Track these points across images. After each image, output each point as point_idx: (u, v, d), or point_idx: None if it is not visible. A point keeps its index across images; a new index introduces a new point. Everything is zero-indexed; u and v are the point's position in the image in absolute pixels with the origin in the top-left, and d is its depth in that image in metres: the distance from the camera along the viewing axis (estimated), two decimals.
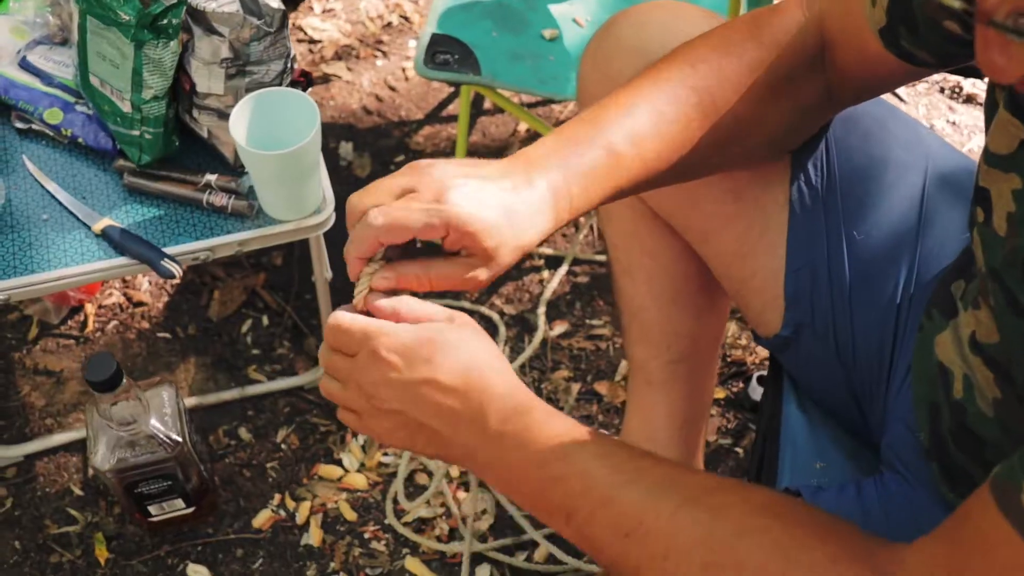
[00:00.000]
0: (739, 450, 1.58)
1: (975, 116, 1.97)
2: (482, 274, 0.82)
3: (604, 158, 0.86)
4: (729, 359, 1.66)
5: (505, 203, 0.81)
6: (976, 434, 0.84)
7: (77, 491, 1.54)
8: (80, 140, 1.35)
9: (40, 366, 1.65)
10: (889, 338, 1.04)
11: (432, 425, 0.79)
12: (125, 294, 1.72)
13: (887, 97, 1.89)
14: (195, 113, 1.31)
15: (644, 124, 0.89)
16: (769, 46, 0.94)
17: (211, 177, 1.32)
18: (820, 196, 1.06)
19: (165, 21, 1.20)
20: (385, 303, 0.82)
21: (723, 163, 1.01)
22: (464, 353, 0.79)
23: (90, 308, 1.70)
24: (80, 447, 1.57)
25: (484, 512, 1.52)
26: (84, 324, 1.69)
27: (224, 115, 1.29)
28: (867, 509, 0.95)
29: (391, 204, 0.81)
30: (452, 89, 1.99)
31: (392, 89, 2.00)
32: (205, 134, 1.33)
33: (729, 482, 0.78)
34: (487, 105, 1.96)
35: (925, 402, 0.91)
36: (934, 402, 0.89)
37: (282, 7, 1.25)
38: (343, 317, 0.82)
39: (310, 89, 1.38)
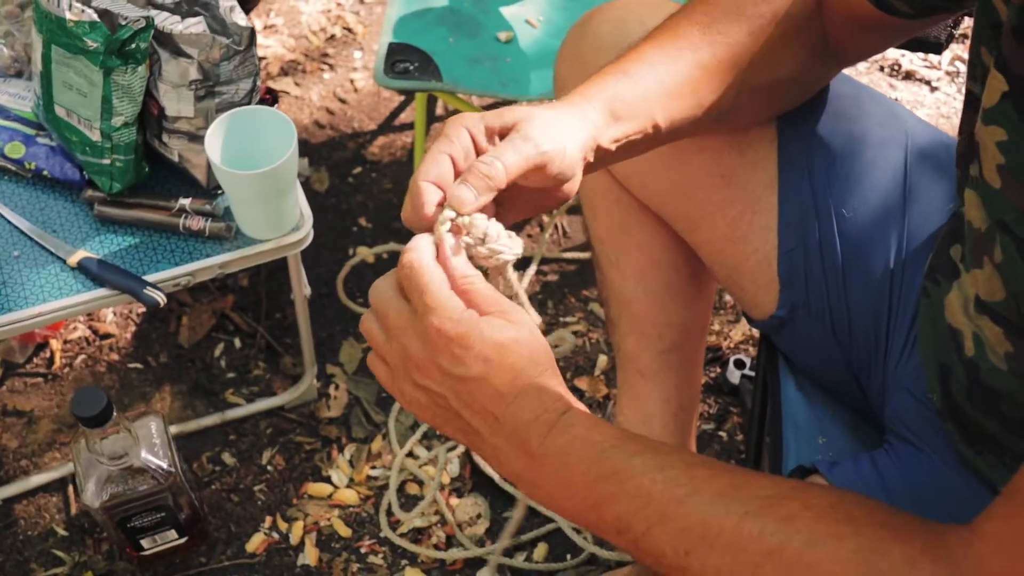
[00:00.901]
0: (722, 434, 1.60)
1: (914, 92, 2.02)
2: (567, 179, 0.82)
3: (649, 102, 0.90)
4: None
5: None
6: (992, 389, 0.86)
7: (61, 531, 1.50)
8: (45, 172, 1.32)
9: (9, 407, 1.61)
10: (884, 311, 1.07)
11: (471, 422, 0.76)
12: (91, 327, 1.69)
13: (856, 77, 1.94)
14: (164, 138, 1.29)
15: (686, 70, 0.93)
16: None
17: (185, 201, 1.30)
18: (807, 177, 1.09)
19: (133, 46, 1.18)
20: (460, 268, 0.76)
21: (734, 114, 1.03)
22: (522, 359, 0.75)
23: (56, 344, 1.66)
24: (60, 486, 1.54)
25: (479, 516, 1.52)
26: (51, 361, 1.65)
27: (195, 138, 1.27)
28: (885, 479, 0.97)
29: (495, 151, 0.78)
30: (403, 98, 1.98)
31: (342, 101, 1.99)
32: (176, 158, 1.31)
33: (786, 485, 0.75)
34: (439, 111, 1.96)
35: (935, 365, 0.94)
36: (945, 364, 0.92)
37: (250, 25, 1.23)
38: (423, 258, 0.75)
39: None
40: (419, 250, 0.75)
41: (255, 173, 1.20)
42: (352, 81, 2.01)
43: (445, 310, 0.73)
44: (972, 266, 0.86)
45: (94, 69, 1.18)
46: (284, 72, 2.02)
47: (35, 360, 1.66)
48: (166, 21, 1.21)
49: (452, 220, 0.76)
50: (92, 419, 1.20)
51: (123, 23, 1.17)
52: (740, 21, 0.97)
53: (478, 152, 0.80)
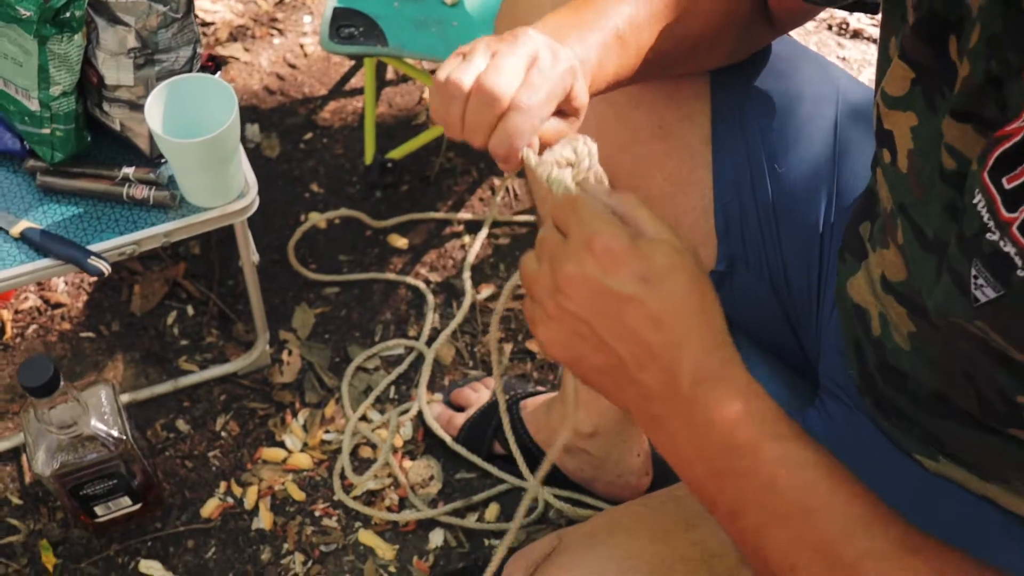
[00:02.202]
0: None
1: (862, 51, 2.04)
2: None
3: (612, 42, 0.90)
4: None
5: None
6: (898, 369, 0.89)
7: (15, 500, 1.51)
8: None
9: None
10: (815, 266, 1.09)
11: (618, 351, 0.68)
12: (42, 296, 1.68)
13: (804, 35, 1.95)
14: (105, 106, 1.29)
15: (640, 13, 0.92)
16: None
17: (128, 170, 1.30)
18: (740, 131, 1.10)
19: (68, 14, 1.18)
20: (607, 197, 0.72)
21: (694, 60, 1.05)
22: (682, 286, 0.67)
23: (6, 314, 1.66)
24: (13, 456, 1.54)
25: (431, 478, 1.54)
26: (2, 331, 1.65)
27: (136, 106, 1.27)
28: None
29: (528, 81, 0.79)
30: (353, 62, 1.98)
31: (292, 67, 1.98)
32: (118, 127, 1.30)
33: (921, 538, 0.69)
34: (390, 75, 1.96)
35: (851, 340, 0.96)
36: (857, 340, 0.94)
37: None
38: (587, 197, 0.71)
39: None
40: (579, 196, 0.71)
41: (196, 141, 1.20)
42: (302, 46, 2.00)
43: (606, 221, 0.68)
44: (879, 245, 0.89)
45: (28, 38, 1.17)
46: (233, 38, 2.00)
47: None
48: None
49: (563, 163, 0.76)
50: (39, 389, 1.20)
51: None
52: None
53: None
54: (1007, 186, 0.68)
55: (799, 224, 1.09)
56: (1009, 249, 0.67)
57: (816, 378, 1.10)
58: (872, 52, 2.04)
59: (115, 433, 1.32)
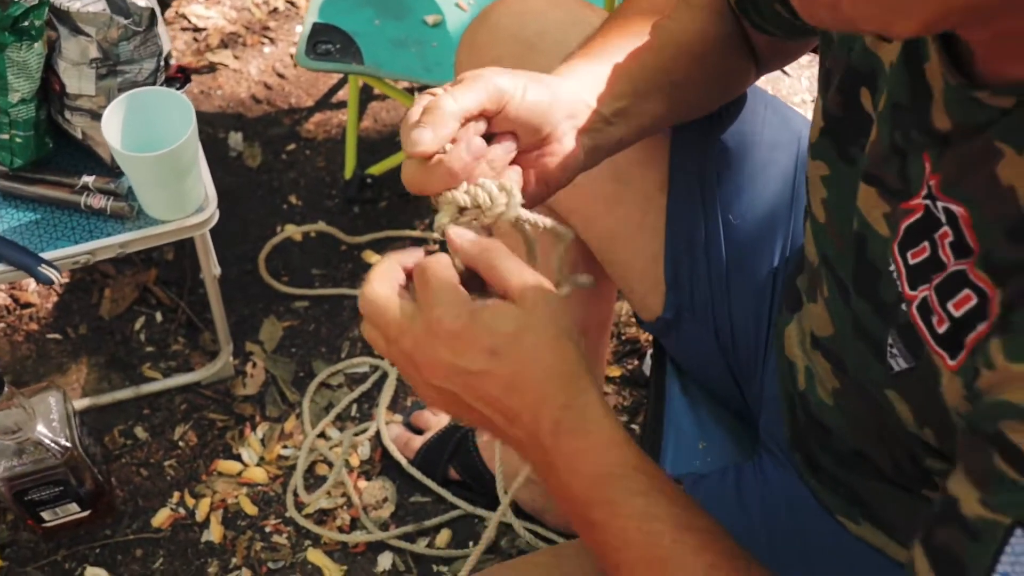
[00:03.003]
0: (635, 427, 1.61)
1: None
2: (557, 144, 0.80)
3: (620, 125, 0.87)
4: (624, 337, 1.69)
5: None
6: (822, 424, 0.88)
7: None
8: None
9: None
10: (764, 320, 1.08)
11: (485, 413, 0.71)
12: (12, 295, 1.69)
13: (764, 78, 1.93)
14: (67, 114, 1.29)
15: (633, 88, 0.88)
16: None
17: (88, 179, 1.30)
18: (697, 180, 1.09)
19: (27, 23, 1.18)
20: (467, 245, 0.72)
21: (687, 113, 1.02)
22: (530, 349, 0.69)
23: None
24: None
25: (385, 500, 1.53)
26: None
27: (97, 116, 1.27)
28: (744, 495, 0.98)
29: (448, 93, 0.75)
30: (341, 75, 1.97)
31: (280, 76, 1.98)
32: (79, 135, 1.30)
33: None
34: (377, 91, 1.95)
35: (784, 393, 0.95)
36: (788, 393, 0.93)
37: (150, 5, 1.23)
38: (439, 264, 0.70)
39: (195, 78, 1.36)
40: (412, 253, 0.72)
41: (152, 155, 1.20)
42: (292, 56, 2.00)
43: (447, 304, 0.68)
44: (808, 299, 0.87)
45: None
46: (224, 44, 2.01)
47: None
48: None
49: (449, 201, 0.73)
50: None
51: (16, 0, 1.16)
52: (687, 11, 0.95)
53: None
54: (911, 261, 0.67)
55: (750, 278, 1.08)
56: (914, 324, 0.66)
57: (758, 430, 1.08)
58: None
59: (62, 441, 1.32)
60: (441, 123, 0.72)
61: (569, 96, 0.82)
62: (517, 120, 0.77)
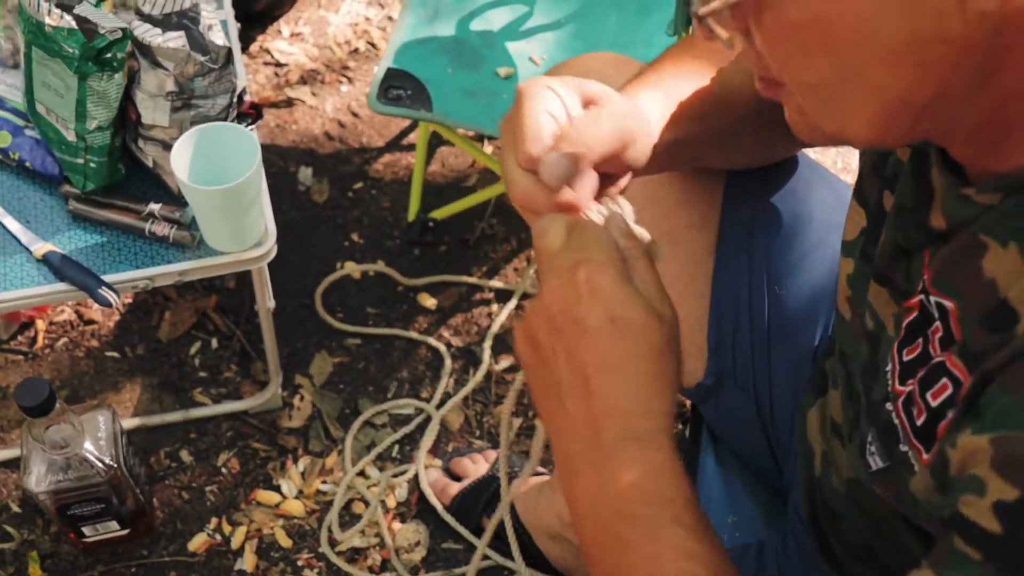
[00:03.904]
0: None
1: None
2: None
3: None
4: None
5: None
6: (834, 511, 0.87)
7: (15, 508, 1.55)
8: (27, 164, 1.36)
9: None
10: (803, 394, 1.07)
11: (560, 372, 0.67)
12: (77, 311, 1.74)
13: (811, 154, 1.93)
14: (141, 143, 1.33)
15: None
16: None
17: (155, 206, 1.34)
18: (745, 248, 1.09)
19: (109, 55, 1.22)
20: (628, 242, 0.72)
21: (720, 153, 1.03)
22: (644, 346, 0.66)
23: (41, 324, 1.71)
24: (18, 465, 1.58)
25: (418, 544, 1.54)
26: (34, 340, 1.70)
27: (169, 146, 1.31)
28: (762, 573, 0.97)
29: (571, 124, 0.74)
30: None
31: (355, 115, 2.02)
32: (151, 164, 1.35)
33: None
34: (446, 135, 1.98)
35: (804, 477, 0.94)
36: (809, 476, 0.92)
37: (227, 44, 1.27)
38: (598, 226, 0.71)
39: (272, 112, 1.40)
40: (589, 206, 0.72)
41: (215, 189, 1.23)
42: (368, 96, 2.04)
43: (600, 258, 0.68)
44: (831, 386, 0.87)
45: (69, 73, 1.22)
46: (303, 81, 2.05)
47: (19, 338, 1.71)
48: (147, 33, 1.24)
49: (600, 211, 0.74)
50: (33, 409, 1.24)
51: (101, 32, 1.21)
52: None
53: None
54: (905, 358, 0.67)
55: (792, 350, 1.07)
56: (896, 422, 0.66)
57: None
58: None
59: (107, 459, 1.35)
60: (572, 171, 0.72)
61: (646, 126, 0.83)
62: (624, 160, 0.78)
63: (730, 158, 1.06)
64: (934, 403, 0.63)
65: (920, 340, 0.66)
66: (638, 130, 0.79)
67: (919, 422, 0.64)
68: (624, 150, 0.77)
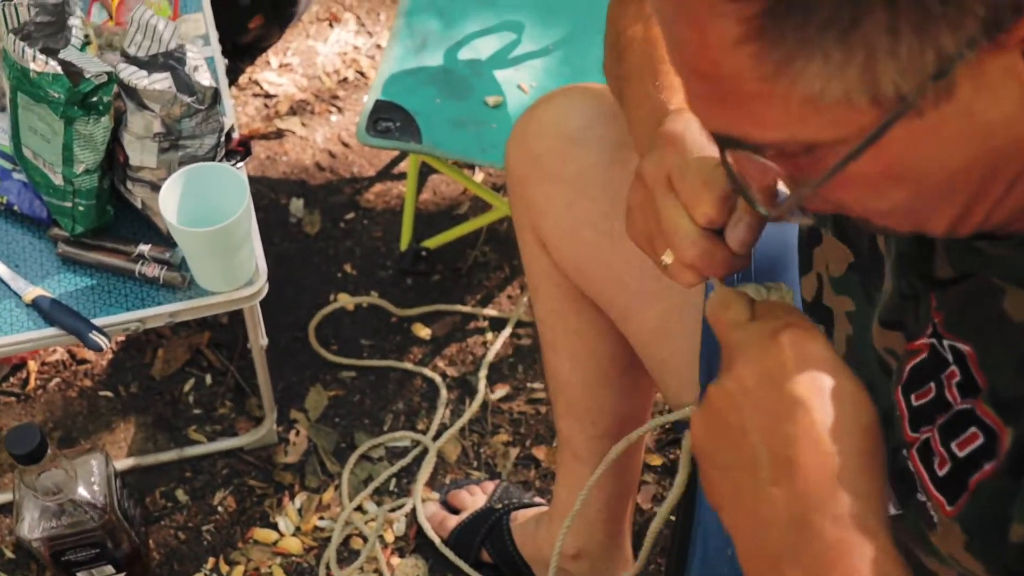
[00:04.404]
0: (673, 518, 1.59)
1: None
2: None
3: None
4: (667, 426, 1.67)
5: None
6: None
7: (9, 554, 1.54)
8: (15, 208, 1.36)
9: None
10: None
11: (758, 452, 0.59)
12: (69, 351, 1.73)
13: None
14: (129, 185, 1.32)
15: None
16: None
17: (144, 247, 1.33)
18: (734, 281, 1.08)
19: (95, 98, 1.21)
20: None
21: None
22: (863, 420, 0.59)
23: (33, 365, 1.70)
24: (11, 510, 1.57)
25: None
26: (26, 382, 1.69)
27: (157, 187, 1.30)
28: None
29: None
30: None
31: (345, 145, 2.01)
32: (139, 205, 1.34)
33: None
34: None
35: None
36: None
37: (214, 84, 1.26)
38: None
39: (262, 144, 1.39)
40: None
41: (205, 231, 1.22)
42: (356, 128, 2.03)
43: (809, 327, 0.62)
44: None
45: (55, 118, 1.22)
46: (293, 111, 2.05)
47: (11, 379, 1.70)
48: (133, 75, 1.24)
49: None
50: (25, 456, 1.23)
51: (87, 76, 1.20)
52: None
53: None
54: (915, 403, 0.66)
55: None
56: (913, 469, 0.64)
57: None
58: None
59: (100, 504, 1.34)
60: (758, 237, 0.70)
61: None
62: None
63: None
64: (961, 453, 0.61)
65: (932, 385, 0.64)
66: None
67: (941, 473, 0.62)
68: None
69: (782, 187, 0.59)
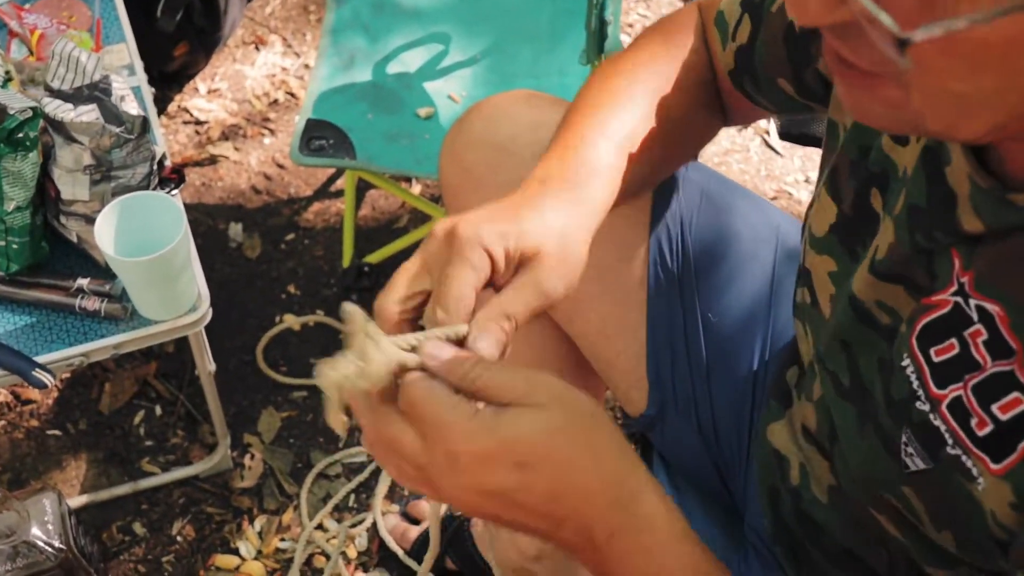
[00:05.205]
0: None
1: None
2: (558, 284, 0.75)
3: (601, 195, 0.84)
4: (618, 421, 1.69)
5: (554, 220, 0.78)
6: (814, 520, 0.87)
7: None
8: None
9: None
10: (747, 413, 1.08)
11: (529, 524, 0.65)
12: (13, 392, 1.71)
13: (736, 175, 1.96)
14: (63, 219, 1.31)
15: (621, 156, 0.87)
16: (689, 56, 0.97)
17: (83, 281, 1.32)
18: (676, 278, 1.10)
19: (21, 134, 1.21)
20: (444, 369, 0.65)
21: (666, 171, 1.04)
22: (563, 451, 0.63)
23: None
24: None
25: None
26: None
27: (91, 220, 1.29)
28: None
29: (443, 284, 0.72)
30: None
31: (280, 167, 2.01)
32: (75, 239, 1.33)
33: None
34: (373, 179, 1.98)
35: (766, 487, 0.94)
36: (774, 487, 0.93)
37: (142, 113, 1.26)
38: (423, 389, 0.64)
39: (196, 170, 1.39)
40: (418, 383, 0.65)
41: (143, 260, 1.22)
42: (290, 148, 2.03)
43: (453, 430, 0.62)
44: (803, 394, 0.88)
45: None
46: (225, 136, 2.04)
47: None
48: (58, 109, 1.23)
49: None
50: None
51: (11, 112, 1.19)
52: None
53: (495, 273, 0.74)
54: (936, 359, 0.67)
55: (730, 375, 1.08)
56: (939, 424, 0.65)
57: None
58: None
59: (56, 543, 1.32)
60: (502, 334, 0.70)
61: (594, 229, 0.81)
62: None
63: (667, 172, 1.08)
64: (1004, 416, 0.62)
65: (954, 341, 0.65)
66: (566, 281, 0.76)
67: (981, 433, 0.63)
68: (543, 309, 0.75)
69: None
